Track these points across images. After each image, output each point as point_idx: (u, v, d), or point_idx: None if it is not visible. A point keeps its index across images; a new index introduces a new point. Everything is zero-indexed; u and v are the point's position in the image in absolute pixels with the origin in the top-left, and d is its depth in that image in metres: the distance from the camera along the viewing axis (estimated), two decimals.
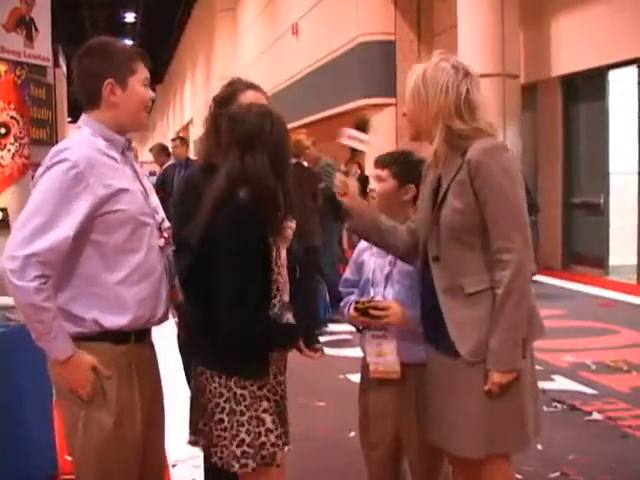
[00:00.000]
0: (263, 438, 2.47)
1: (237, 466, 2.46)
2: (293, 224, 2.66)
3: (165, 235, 2.50)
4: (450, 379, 2.52)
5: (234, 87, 2.96)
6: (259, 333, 2.47)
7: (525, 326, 2.45)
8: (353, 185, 2.77)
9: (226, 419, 2.47)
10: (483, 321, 2.46)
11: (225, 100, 2.89)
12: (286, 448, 2.57)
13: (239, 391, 2.47)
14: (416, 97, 2.54)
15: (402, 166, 2.91)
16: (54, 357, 2.32)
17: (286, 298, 2.60)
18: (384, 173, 2.92)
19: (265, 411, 2.50)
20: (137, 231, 2.39)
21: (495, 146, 2.49)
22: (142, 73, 2.46)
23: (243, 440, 2.45)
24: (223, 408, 2.47)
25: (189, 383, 2.96)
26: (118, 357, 2.40)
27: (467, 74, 2.52)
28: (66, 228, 2.25)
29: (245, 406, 2.47)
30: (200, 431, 2.57)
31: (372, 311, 2.78)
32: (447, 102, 2.48)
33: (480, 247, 2.48)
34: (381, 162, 2.96)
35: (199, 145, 2.97)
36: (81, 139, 2.41)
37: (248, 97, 2.87)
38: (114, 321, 2.36)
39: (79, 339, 2.36)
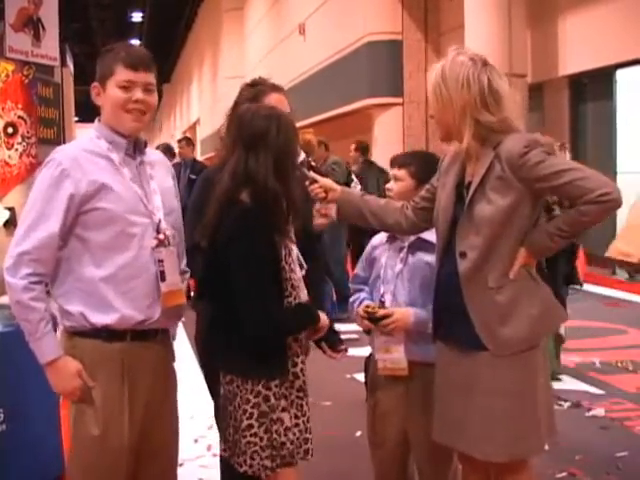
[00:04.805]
0: (283, 438, 2.49)
1: (266, 471, 2.48)
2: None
3: (160, 236, 2.47)
4: (470, 376, 2.50)
5: (258, 88, 2.92)
6: (281, 329, 2.51)
7: (568, 240, 2.44)
8: (326, 182, 2.81)
9: (256, 424, 2.47)
10: (508, 315, 2.45)
11: (249, 102, 2.81)
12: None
13: (264, 392, 2.48)
14: (438, 95, 2.49)
15: (420, 166, 2.91)
16: (39, 358, 2.36)
17: (303, 295, 2.59)
18: (401, 173, 2.92)
19: (284, 410, 2.51)
20: (125, 230, 2.40)
21: (528, 138, 2.46)
22: (120, 75, 2.43)
23: (270, 443, 2.47)
24: (252, 414, 2.47)
25: (206, 379, 2.95)
26: (110, 355, 2.41)
27: (485, 64, 2.49)
28: (52, 224, 2.34)
29: (269, 407, 2.48)
30: (227, 440, 2.58)
31: (380, 322, 2.78)
32: (471, 94, 2.44)
33: (509, 243, 2.45)
34: (398, 162, 2.96)
35: (220, 144, 2.90)
36: (79, 141, 2.54)
37: (272, 100, 2.84)
38: (99, 318, 2.39)
39: (74, 334, 2.42)
